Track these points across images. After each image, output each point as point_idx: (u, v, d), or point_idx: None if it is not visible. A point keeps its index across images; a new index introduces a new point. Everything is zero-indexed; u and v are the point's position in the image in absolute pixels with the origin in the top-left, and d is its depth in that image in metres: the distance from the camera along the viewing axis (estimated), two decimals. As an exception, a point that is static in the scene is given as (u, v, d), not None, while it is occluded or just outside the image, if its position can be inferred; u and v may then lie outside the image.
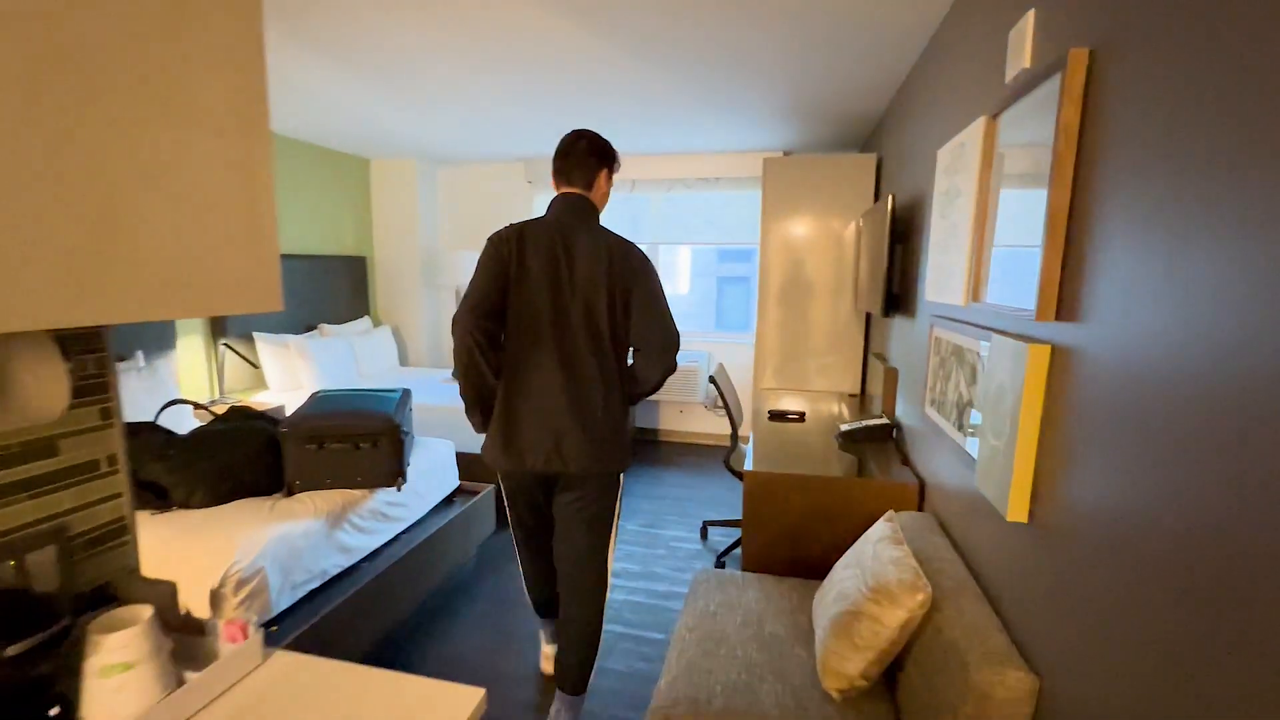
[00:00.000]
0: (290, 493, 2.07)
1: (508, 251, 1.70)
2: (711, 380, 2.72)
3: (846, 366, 3.33)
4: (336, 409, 2.18)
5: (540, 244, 1.71)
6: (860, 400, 3.18)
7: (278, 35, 2.36)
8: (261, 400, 3.64)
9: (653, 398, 4.52)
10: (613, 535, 1.83)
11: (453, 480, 2.76)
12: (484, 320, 1.66)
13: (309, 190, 4.19)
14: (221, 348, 3.44)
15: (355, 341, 4.20)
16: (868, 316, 3.29)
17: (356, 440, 2.12)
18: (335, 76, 2.85)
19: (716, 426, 4.63)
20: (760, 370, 3.45)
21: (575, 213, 1.76)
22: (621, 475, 1.80)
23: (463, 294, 2.00)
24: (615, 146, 4.35)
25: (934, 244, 1.79)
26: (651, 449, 4.53)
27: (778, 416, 2.76)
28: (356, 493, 2.15)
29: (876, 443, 2.36)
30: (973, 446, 1.38)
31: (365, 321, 4.57)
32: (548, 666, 2.08)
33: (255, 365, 3.41)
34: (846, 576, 1.45)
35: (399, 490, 2.22)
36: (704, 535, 3.09)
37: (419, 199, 4.73)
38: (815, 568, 2.01)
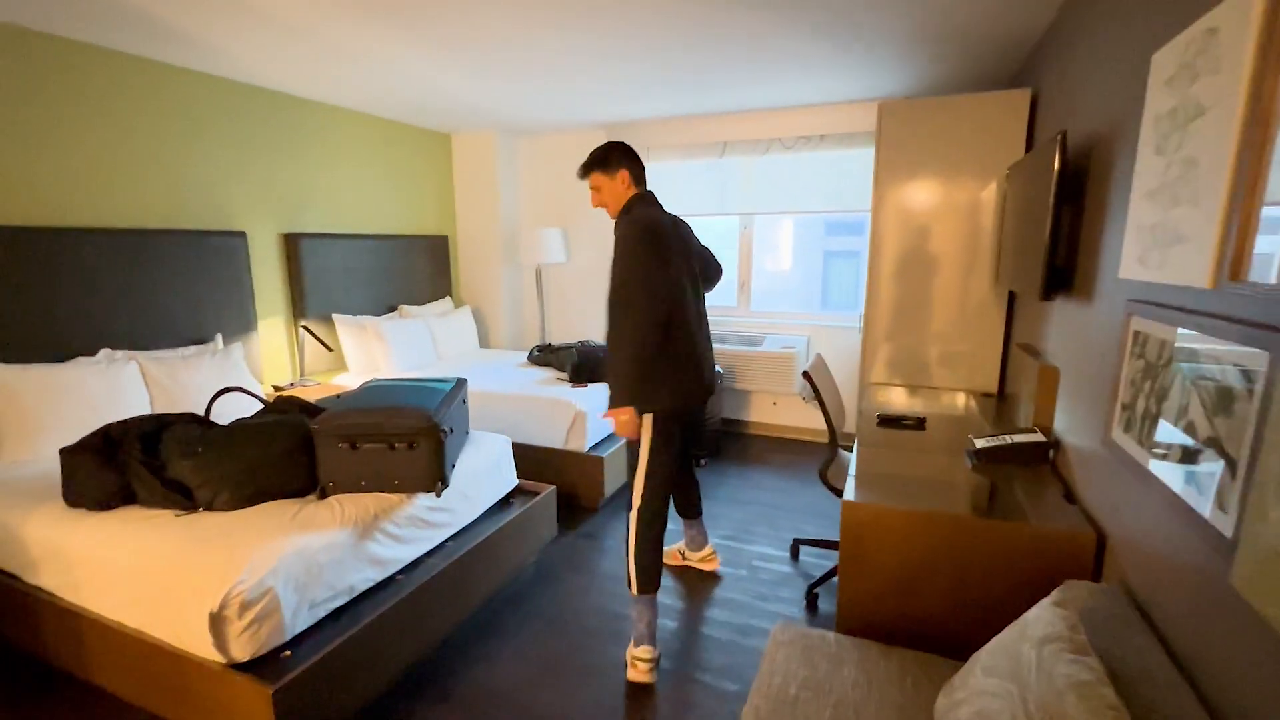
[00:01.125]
0: (324, 495, 1.89)
1: None
2: (805, 376, 2.25)
3: (981, 359, 2.70)
4: (374, 404, 1.97)
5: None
6: (998, 404, 2.55)
7: (352, 6, 2.16)
8: (341, 383, 3.62)
9: (741, 386, 4.07)
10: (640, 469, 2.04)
11: (510, 479, 2.52)
12: None
13: (391, 168, 4.11)
14: (301, 330, 3.43)
15: (434, 323, 4.11)
16: (1011, 297, 2.63)
17: (392, 440, 1.90)
18: (411, 46, 2.64)
19: (815, 420, 4.10)
20: (869, 361, 2.90)
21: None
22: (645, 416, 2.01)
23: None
24: (703, 105, 3.94)
25: (1143, 194, 1.21)
26: (738, 442, 4.10)
27: (890, 422, 2.24)
28: (394, 497, 1.94)
29: (1025, 465, 1.80)
30: (1222, 519, 0.86)
31: (446, 302, 4.48)
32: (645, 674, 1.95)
33: (330, 348, 3.37)
34: (991, 692, 0.98)
35: (438, 496, 1.99)
36: (795, 555, 2.64)
37: (499, 173, 4.53)
38: (937, 637, 1.53)
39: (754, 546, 2.73)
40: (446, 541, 2.14)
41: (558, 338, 4.80)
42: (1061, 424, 1.79)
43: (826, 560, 2.59)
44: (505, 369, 3.78)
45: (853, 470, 1.80)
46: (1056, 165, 1.65)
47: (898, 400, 2.60)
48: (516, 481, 2.57)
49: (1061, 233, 1.77)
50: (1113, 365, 1.38)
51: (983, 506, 1.54)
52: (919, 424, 2.21)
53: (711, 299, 4.61)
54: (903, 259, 2.76)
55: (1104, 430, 1.36)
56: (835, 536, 2.81)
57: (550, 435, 3.08)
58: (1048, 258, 1.70)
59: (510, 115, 4.03)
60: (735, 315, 4.32)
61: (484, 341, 4.80)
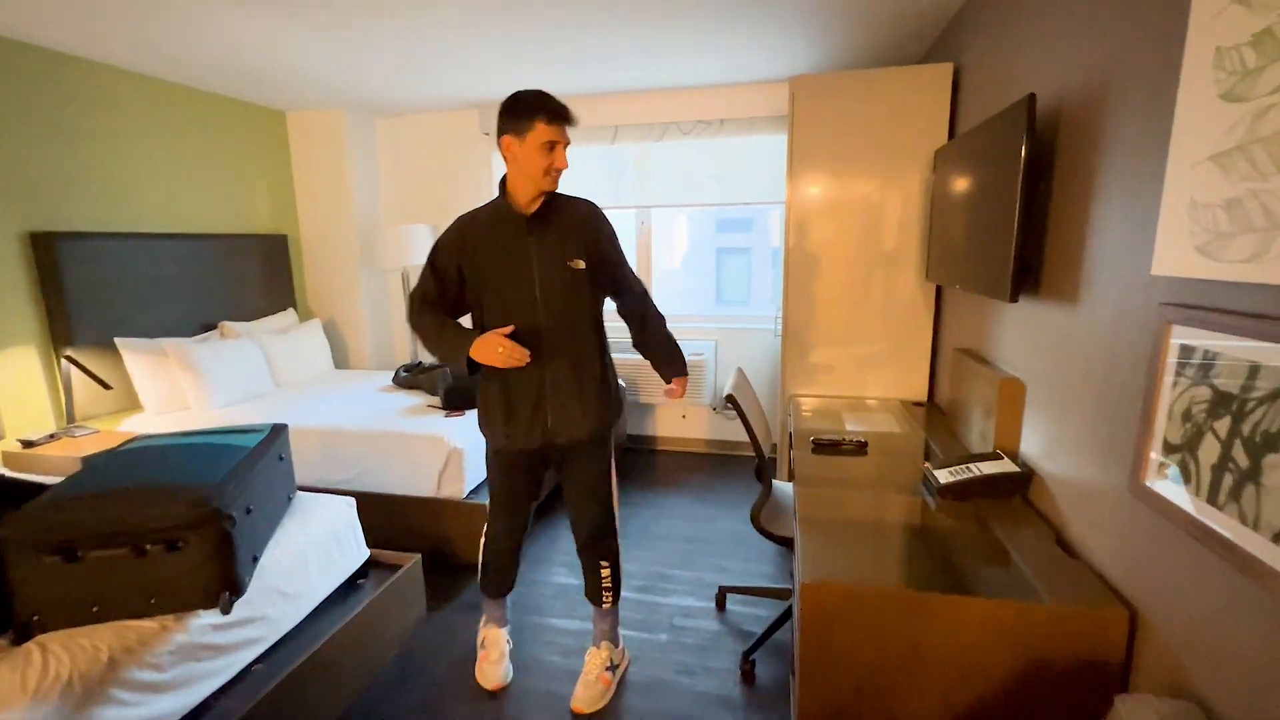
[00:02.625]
0: (26, 636, 1.21)
1: None
2: (729, 401, 1.84)
3: (909, 365, 2.45)
4: (113, 484, 1.31)
5: None
6: (933, 415, 2.30)
7: None
8: (132, 428, 2.77)
9: (645, 399, 3.65)
10: None
11: (357, 553, 1.91)
12: None
13: (206, 152, 3.26)
14: (64, 362, 2.55)
15: (271, 342, 3.31)
16: (938, 294, 2.40)
17: (140, 541, 1.25)
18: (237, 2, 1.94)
19: (729, 431, 3.76)
20: (789, 369, 2.57)
21: None
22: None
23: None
24: (590, 83, 3.46)
25: (1196, 161, 0.88)
26: (646, 463, 3.68)
27: (827, 447, 1.89)
28: (149, 624, 1.29)
29: (996, 499, 1.49)
30: None
31: (288, 316, 3.67)
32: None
33: (106, 385, 2.53)
34: None
35: (225, 613, 1.36)
36: (720, 604, 2.24)
37: (351, 160, 3.79)
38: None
39: (673, 599, 2.30)
40: (255, 664, 1.51)
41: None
42: (1033, 448, 1.50)
43: (757, 610, 2.21)
44: (364, 396, 3.09)
45: (798, 529, 1.40)
46: (1025, 139, 1.34)
47: (825, 414, 2.27)
48: (367, 553, 1.96)
49: (1032, 221, 1.47)
50: (1133, 388, 1.07)
51: (973, 571, 1.19)
52: (860, 448, 1.88)
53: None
54: (822, 254, 2.45)
55: (1131, 474, 1.04)
56: (762, 569, 2.45)
57: (417, 481, 2.47)
58: (1017, 251, 1.39)
59: (363, 90, 3.33)
60: (636, 320, 3.88)
61: (341, 361, 4.02)
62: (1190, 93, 0.89)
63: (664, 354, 1.93)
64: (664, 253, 4.38)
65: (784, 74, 3.15)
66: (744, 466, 3.58)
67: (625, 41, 2.63)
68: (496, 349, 1.51)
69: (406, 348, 4.15)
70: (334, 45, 2.60)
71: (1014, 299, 1.41)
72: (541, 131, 1.49)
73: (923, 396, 2.45)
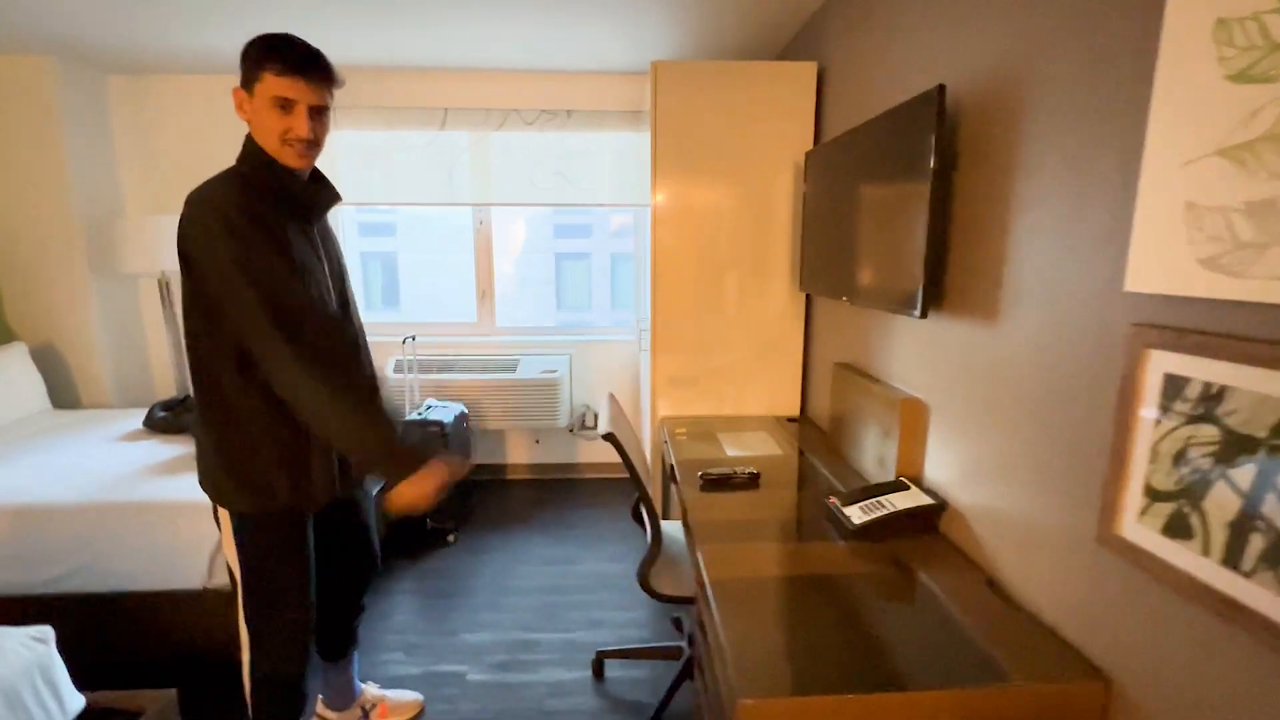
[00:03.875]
0: None
1: None
2: (610, 440, 1.51)
3: (781, 379, 2.32)
4: None
5: None
6: (804, 429, 2.18)
7: None
8: None
9: (493, 425, 3.19)
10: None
11: (62, 707, 1.25)
12: None
13: None
14: None
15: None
16: (807, 304, 2.30)
17: None
18: None
19: (589, 452, 3.44)
20: (659, 389, 2.31)
21: None
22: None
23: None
24: (411, 53, 2.87)
25: (1191, 159, 0.73)
26: (495, 497, 3.21)
27: (718, 483, 1.64)
28: None
29: (911, 535, 1.34)
30: None
31: (-32, 340, 2.61)
32: None
33: None
34: None
35: None
36: (599, 673, 1.90)
37: (66, 128, 2.81)
38: None
39: (540, 673, 1.90)
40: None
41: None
42: (942, 474, 1.37)
43: (637, 673, 1.91)
44: (97, 448, 2.25)
45: (715, 609, 1.11)
46: (934, 137, 1.19)
47: (701, 437, 2.04)
48: (81, 704, 1.30)
49: (943, 227, 1.34)
50: (1087, 419, 0.93)
51: (919, 644, 0.99)
52: (751, 480, 1.66)
53: (444, 315, 3.67)
54: (689, 262, 2.23)
55: (1100, 520, 0.90)
56: (634, 615, 2.16)
57: (179, 569, 1.78)
58: (929, 264, 1.24)
59: (90, 33, 2.44)
60: (476, 334, 3.40)
61: (66, 399, 2.98)
62: (1178, 76, 0.75)
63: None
64: (501, 257, 3.92)
65: (637, 66, 2.91)
66: (602, 491, 3.28)
67: (457, 8, 2.18)
68: (439, 482, 1.19)
69: (168, 376, 3.21)
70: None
71: (924, 314, 1.26)
72: (270, 84, 1.13)
73: (795, 411, 2.34)
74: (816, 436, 2.09)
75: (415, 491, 1.15)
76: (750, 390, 2.32)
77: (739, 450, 1.96)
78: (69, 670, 1.28)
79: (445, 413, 2.73)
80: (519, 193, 3.17)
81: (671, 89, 2.10)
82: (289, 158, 1.18)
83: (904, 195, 1.32)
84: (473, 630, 2.09)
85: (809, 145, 2.14)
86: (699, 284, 2.23)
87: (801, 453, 1.92)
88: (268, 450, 1.21)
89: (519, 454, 3.43)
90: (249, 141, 1.19)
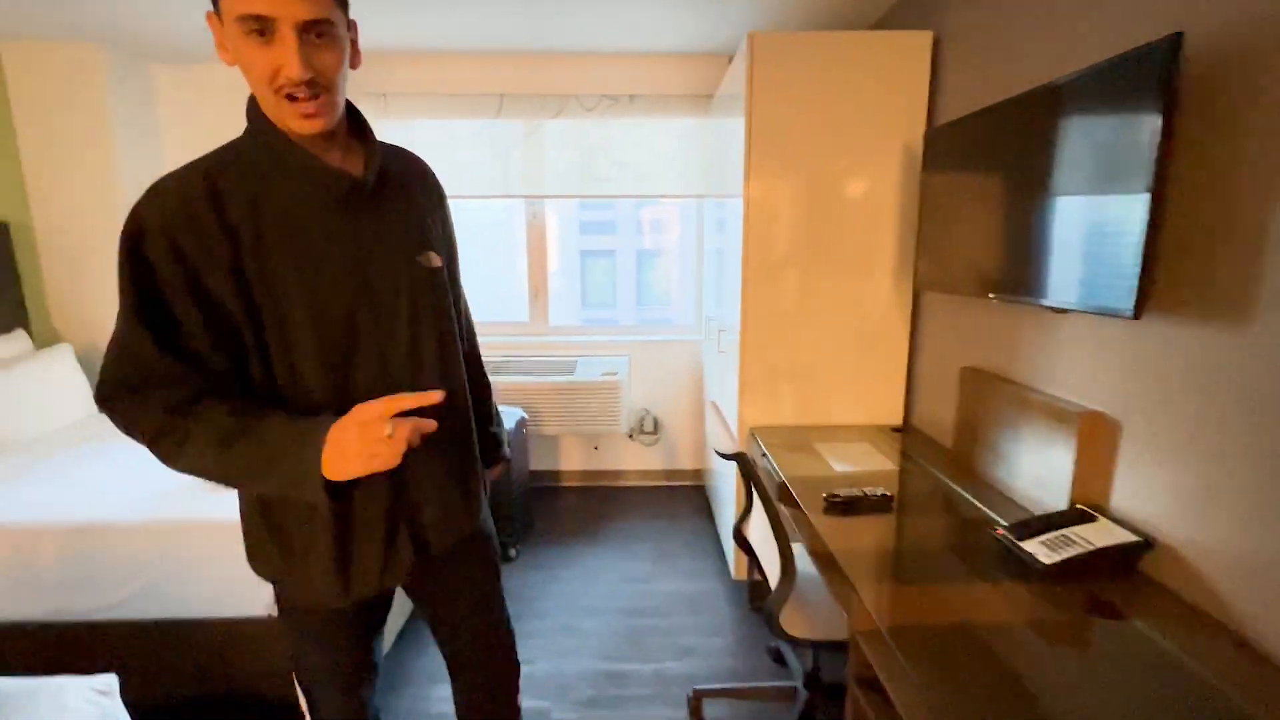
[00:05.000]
0: None
1: None
2: (738, 461, 1.32)
3: (883, 383, 2.11)
4: None
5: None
6: (913, 441, 1.97)
7: None
8: None
9: (549, 429, 3.01)
10: None
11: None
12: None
13: None
14: None
15: (-21, 383, 2.18)
16: (915, 304, 2.08)
17: None
18: None
19: (649, 458, 3.25)
20: (748, 395, 2.11)
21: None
22: None
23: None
24: (468, 38, 2.72)
25: None
26: (554, 508, 3.04)
27: (846, 507, 1.44)
28: None
29: (1109, 578, 1.13)
30: None
31: (17, 340, 2.50)
32: None
33: None
34: None
35: None
36: (697, 714, 1.71)
37: (117, 120, 2.69)
38: None
39: (632, 709, 1.72)
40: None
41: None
42: (1145, 505, 1.16)
43: (740, 715, 1.72)
44: (149, 459, 2.11)
45: (911, 674, 0.91)
46: (1161, 97, 0.98)
47: (798, 449, 1.85)
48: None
49: (1176, 201, 1.11)
50: None
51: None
52: (883, 503, 1.46)
53: (497, 314, 3.50)
54: (781, 256, 2.02)
55: None
56: (725, 641, 1.96)
57: (243, 595, 1.63)
58: (1146, 252, 1.03)
59: (139, 19, 2.31)
60: (529, 334, 3.23)
61: (112, 401, 2.87)
62: None
63: (487, 420, 1.22)
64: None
65: (706, 45, 2.70)
66: (665, 500, 3.09)
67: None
68: (379, 436, 0.75)
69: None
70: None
71: (1137, 315, 1.05)
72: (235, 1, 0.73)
73: (898, 419, 2.13)
74: (933, 450, 1.87)
75: (351, 458, 0.76)
76: (848, 396, 2.11)
77: (845, 464, 1.76)
78: (125, 706, 1.13)
79: (505, 419, 2.56)
80: (575, 184, 2.98)
81: (770, 65, 1.89)
82: (289, 117, 0.78)
83: (1109, 173, 1.10)
84: (551, 659, 1.92)
85: (920, 124, 1.93)
86: (793, 280, 2.03)
87: (921, 468, 1.71)
88: (256, 527, 0.92)
89: (575, 459, 3.25)
90: (250, 101, 0.83)
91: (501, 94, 2.87)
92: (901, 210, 1.97)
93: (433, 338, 0.96)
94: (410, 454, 0.78)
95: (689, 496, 3.13)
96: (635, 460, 3.25)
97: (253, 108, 0.83)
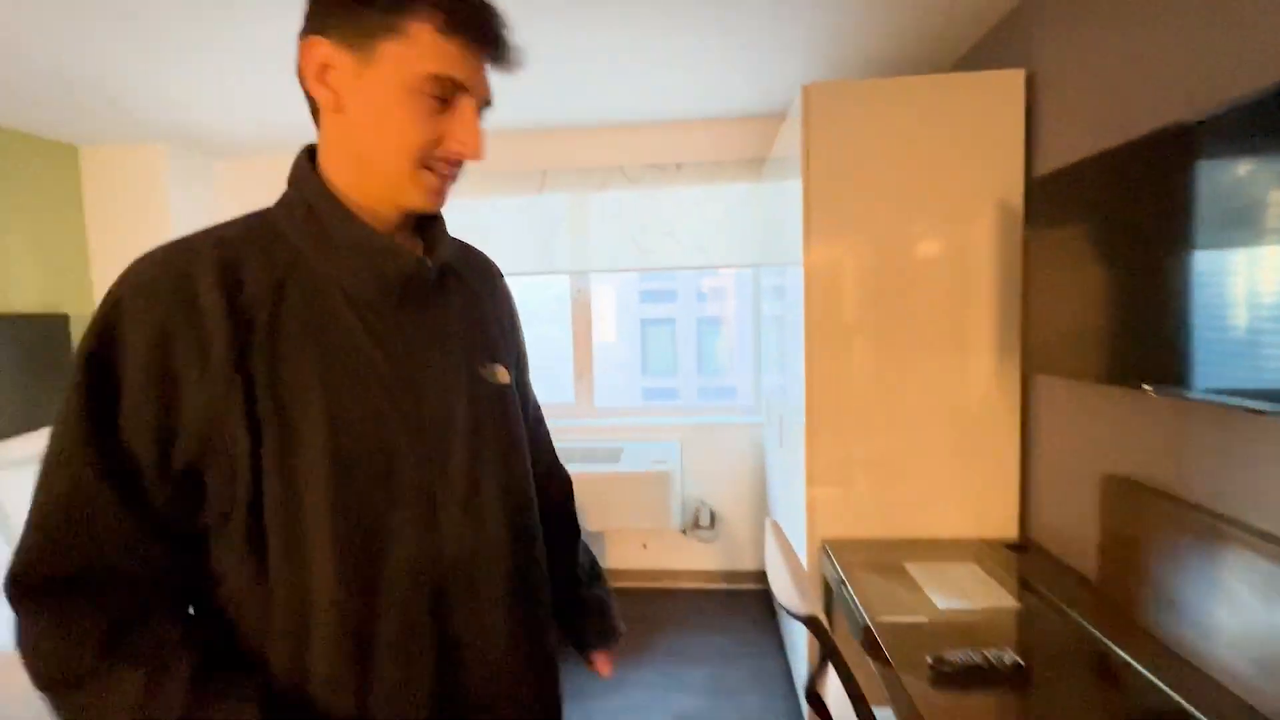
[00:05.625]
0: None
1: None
2: (812, 627, 0.99)
3: (989, 487, 1.70)
4: None
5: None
6: (1034, 562, 1.54)
7: None
8: None
9: (594, 523, 2.71)
10: None
11: None
12: None
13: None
14: None
15: (15, 478, 2.14)
16: (1024, 386, 1.69)
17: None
18: None
19: (706, 557, 2.87)
20: (819, 499, 1.75)
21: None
22: None
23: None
24: (511, 115, 2.52)
25: None
26: (599, 611, 2.70)
27: (958, 679, 1.05)
28: None
29: None
30: None
31: (59, 432, 2.48)
32: None
33: None
34: None
35: None
36: None
37: (178, 213, 2.76)
38: None
39: None
40: None
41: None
42: None
43: None
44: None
45: None
46: None
47: (884, 571, 1.46)
48: None
49: None
50: None
51: None
52: (1015, 674, 1.06)
53: (540, 397, 3.13)
54: (851, 332, 1.71)
55: None
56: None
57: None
58: None
59: (201, 120, 2.38)
60: (574, 418, 3.00)
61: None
62: None
63: (576, 583, 0.94)
64: (596, 328, 3.56)
65: (757, 107, 2.52)
66: (730, 606, 2.68)
67: (565, 61, 1.89)
68: None
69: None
70: (160, 52, 1.68)
71: None
72: (426, 46, 0.57)
73: (1012, 532, 1.70)
74: (1067, 580, 1.44)
75: None
76: (945, 501, 1.71)
77: (950, 598, 1.36)
78: None
79: (541, 516, 2.29)
80: (622, 257, 2.80)
81: (827, 117, 1.65)
82: (417, 194, 0.62)
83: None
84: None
85: (1016, 174, 1.61)
86: (868, 361, 1.70)
87: (1055, 609, 1.29)
88: None
89: (621, 557, 2.92)
90: (313, 155, 0.65)
91: (544, 170, 2.77)
92: (999, 275, 1.63)
93: (499, 479, 0.69)
94: (466, 640, 0.61)
95: (751, 604, 2.71)
96: (689, 559, 2.87)
97: (304, 170, 0.63)
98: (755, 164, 2.68)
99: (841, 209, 1.67)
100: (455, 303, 0.71)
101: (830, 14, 1.74)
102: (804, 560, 1.76)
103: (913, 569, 1.54)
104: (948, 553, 1.62)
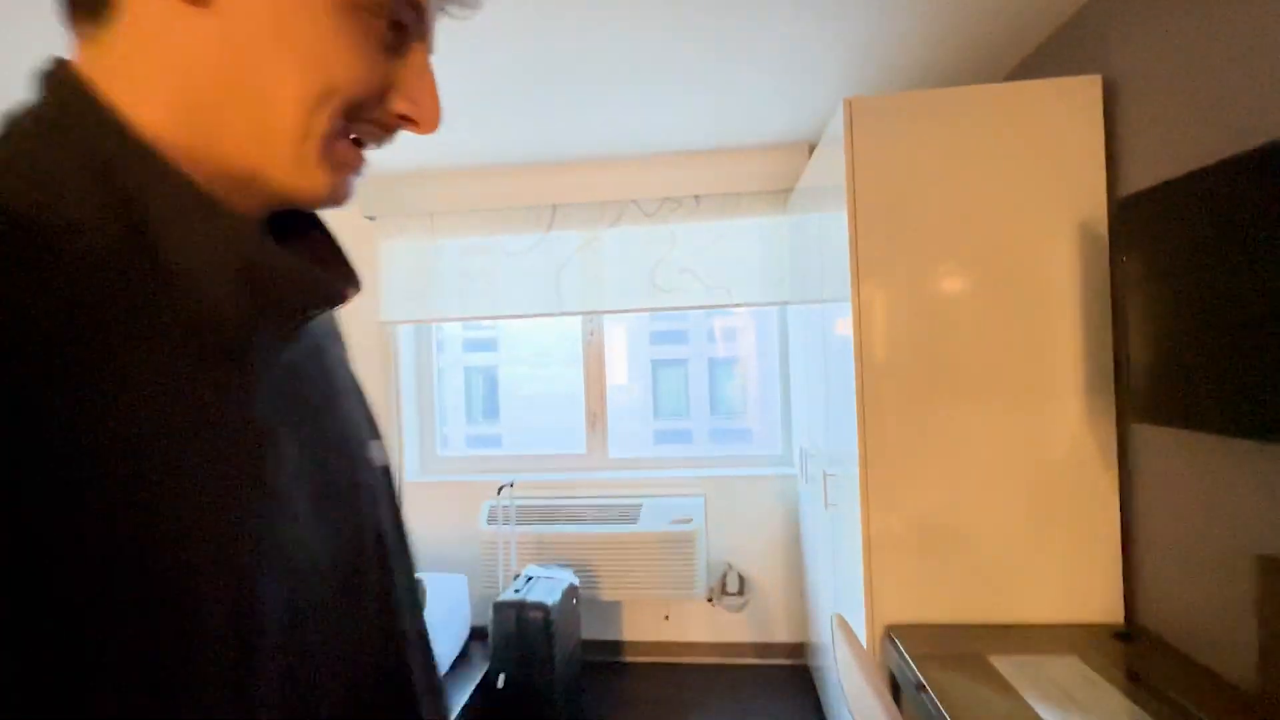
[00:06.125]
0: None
1: None
2: None
3: (1084, 561, 1.42)
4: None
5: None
6: (1140, 653, 1.25)
7: None
8: None
9: (609, 594, 2.42)
10: None
11: None
12: None
13: None
14: None
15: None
16: (1121, 440, 1.43)
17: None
18: None
19: (735, 628, 2.56)
20: (877, 576, 1.48)
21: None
22: None
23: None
24: (517, 149, 2.24)
25: None
26: (611, 687, 2.39)
27: None
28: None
29: None
30: None
31: None
32: None
33: None
34: None
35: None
36: None
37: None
38: None
39: None
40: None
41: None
42: None
43: None
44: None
45: None
46: None
47: (965, 666, 1.18)
48: None
49: None
50: None
51: None
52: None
53: (551, 445, 2.84)
54: (909, 378, 1.47)
55: None
56: None
57: None
58: None
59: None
60: (586, 469, 2.75)
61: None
62: None
63: None
64: (610, 372, 3.33)
65: (779, 134, 2.35)
66: (763, 684, 2.37)
67: (576, 87, 1.74)
68: None
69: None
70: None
71: None
72: None
73: (1117, 615, 1.41)
74: (1203, 683, 1.15)
75: None
76: (1030, 578, 1.43)
77: (1053, 708, 1.09)
78: None
79: (550, 588, 2.02)
80: (637, 296, 2.60)
81: (874, 135, 1.46)
82: (319, 176, 0.34)
83: None
84: None
85: (1097, 193, 1.40)
86: (934, 412, 1.45)
87: (1182, 714, 1.00)
88: None
89: (641, 629, 2.61)
90: (97, 86, 0.31)
91: (554, 205, 2.61)
92: (1084, 307, 1.40)
93: (413, 619, 0.43)
94: None
95: (787, 681, 2.39)
96: (716, 629, 2.57)
97: (75, 101, 0.31)
98: (780, 195, 2.50)
99: (895, 238, 1.46)
100: (320, 355, 0.43)
101: (866, 24, 1.57)
102: (870, 636, 1.47)
103: (1001, 664, 1.27)
104: (1041, 643, 1.34)
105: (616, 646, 2.61)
